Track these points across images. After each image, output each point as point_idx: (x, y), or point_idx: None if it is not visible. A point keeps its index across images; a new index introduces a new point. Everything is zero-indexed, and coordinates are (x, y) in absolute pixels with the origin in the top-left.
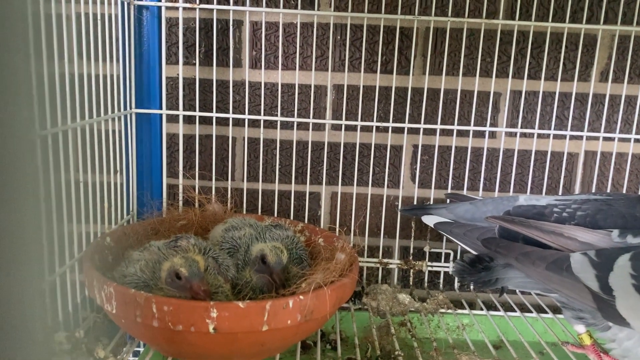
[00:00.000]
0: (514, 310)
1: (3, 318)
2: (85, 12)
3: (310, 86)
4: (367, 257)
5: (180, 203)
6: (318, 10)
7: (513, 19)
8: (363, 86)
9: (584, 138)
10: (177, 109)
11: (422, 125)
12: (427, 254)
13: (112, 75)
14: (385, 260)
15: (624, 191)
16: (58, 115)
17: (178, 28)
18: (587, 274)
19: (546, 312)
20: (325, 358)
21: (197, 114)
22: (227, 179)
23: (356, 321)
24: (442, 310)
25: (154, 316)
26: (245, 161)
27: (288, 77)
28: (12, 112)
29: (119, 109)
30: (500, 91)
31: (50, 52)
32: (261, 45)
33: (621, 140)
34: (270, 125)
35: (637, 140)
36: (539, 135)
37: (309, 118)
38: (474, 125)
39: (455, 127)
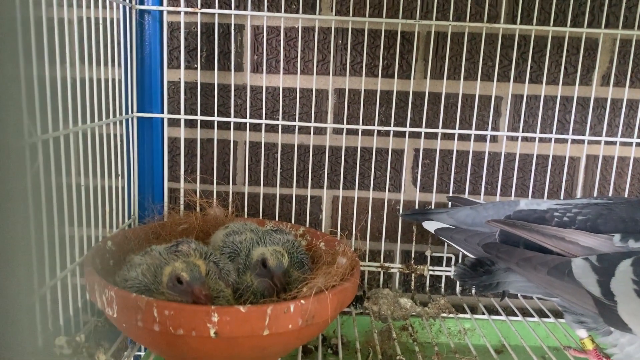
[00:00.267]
0: (515, 315)
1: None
2: (87, 17)
3: (311, 90)
4: (369, 261)
5: (182, 207)
6: (319, 14)
7: (514, 23)
8: (364, 90)
9: (586, 142)
10: (179, 113)
11: (423, 129)
12: (429, 258)
13: (113, 80)
14: (386, 265)
15: (626, 195)
16: (60, 119)
17: (180, 32)
18: (589, 279)
19: (548, 317)
20: None
21: (199, 118)
22: (228, 183)
23: (357, 325)
24: (444, 315)
25: (155, 320)
26: (246, 165)
27: (289, 81)
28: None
29: (121, 113)
30: (501, 95)
31: (52, 57)
32: (263, 50)
33: (623, 144)
34: (271, 129)
35: (638, 144)
36: (541, 139)
37: (311, 122)
38: (476, 129)
39: (457, 131)
